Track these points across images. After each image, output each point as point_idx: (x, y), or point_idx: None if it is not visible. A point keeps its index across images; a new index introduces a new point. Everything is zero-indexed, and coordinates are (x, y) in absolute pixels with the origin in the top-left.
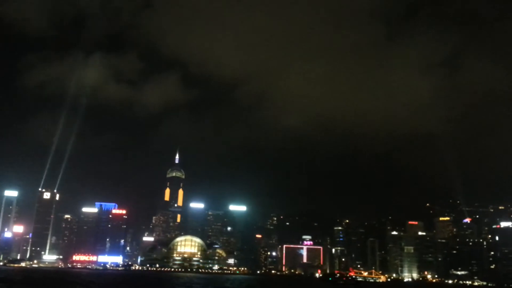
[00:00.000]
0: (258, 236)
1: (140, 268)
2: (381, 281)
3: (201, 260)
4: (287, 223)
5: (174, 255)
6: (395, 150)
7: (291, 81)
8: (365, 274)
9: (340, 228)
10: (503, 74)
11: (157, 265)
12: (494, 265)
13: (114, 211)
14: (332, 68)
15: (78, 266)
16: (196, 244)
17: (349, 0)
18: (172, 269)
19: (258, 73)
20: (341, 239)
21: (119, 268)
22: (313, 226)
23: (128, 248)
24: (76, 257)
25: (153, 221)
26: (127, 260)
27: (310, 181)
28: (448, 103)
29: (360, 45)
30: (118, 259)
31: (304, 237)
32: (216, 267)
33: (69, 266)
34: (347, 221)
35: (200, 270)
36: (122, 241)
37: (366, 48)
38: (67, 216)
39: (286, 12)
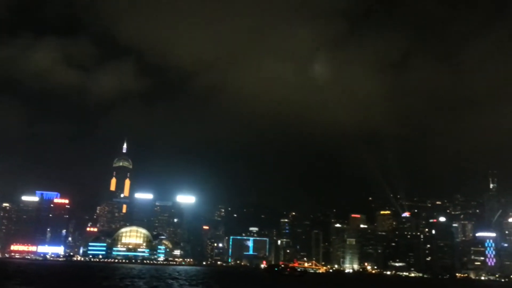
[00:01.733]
0: (205, 227)
1: (82, 259)
2: (320, 271)
3: (146, 251)
4: (235, 215)
5: (119, 246)
6: (343, 145)
7: (248, 74)
8: (306, 265)
9: (286, 220)
10: (448, 77)
11: (100, 256)
12: (430, 257)
13: (56, 200)
14: (290, 63)
15: (17, 256)
16: (142, 235)
17: None
18: (116, 260)
19: (215, 64)
20: (287, 231)
21: (60, 259)
22: (260, 218)
23: (70, 238)
24: (14, 247)
25: (98, 211)
26: (68, 250)
27: (259, 173)
28: (396, 102)
29: (320, 42)
30: (59, 250)
31: (251, 229)
32: (161, 258)
33: (7, 256)
34: (293, 213)
35: (145, 262)
36: (64, 231)
37: (326, 46)
38: (5, 204)
39: (248, 6)
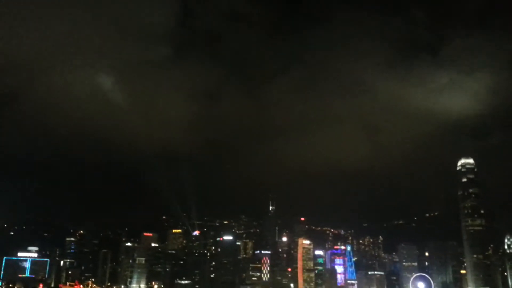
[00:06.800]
0: None
1: None
2: None
3: None
4: (11, 233)
5: None
6: (143, 165)
7: (56, 83)
8: (79, 286)
9: (72, 239)
10: (255, 110)
11: None
12: (214, 274)
13: None
14: (106, 80)
15: None
16: None
17: (140, 19)
18: None
19: (21, 63)
20: (72, 250)
21: None
22: (42, 236)
23: None
24: None
25: None
26: None
27: (47, 188)
28: (205, 128)
29: (145, 62)
30: None
31: (30, 248)
32: None
33: None
34: (82, 232)
35: None
36: None
37: (150, 67)
38: None
39: (71, 11)
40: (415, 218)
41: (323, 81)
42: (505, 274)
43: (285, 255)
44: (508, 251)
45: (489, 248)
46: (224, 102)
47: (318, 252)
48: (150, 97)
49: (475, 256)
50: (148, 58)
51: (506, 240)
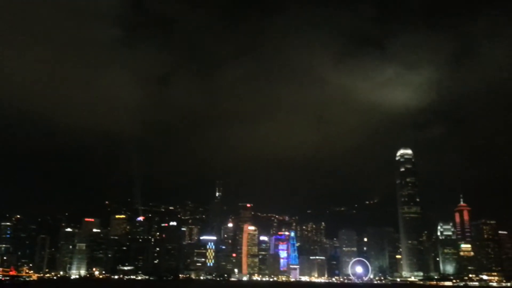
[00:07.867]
0: None
1: None
2: (32, 279)
3: None
4: None
5: None
6: (91, 148)
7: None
8: (14, 272)
9: (8, 223)
10: (204, 95)
11: None
12: (157, 260)
13: None
14: (57, 59)
15: None
16: None
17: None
18: None
19: None
20: (8, 235)
21: None
22: None
23: None
24: None
25: None
26: None
27: None
28: (154, 113)
29: (91, 45)
30: None
31: None
32: None
33: None
34: (18, 216)
35: None
36: None
37: (98, 47)
38: None
39: None
40: (356, 205)
41: (274, 70)
42: (437, 259)
43: (230, 241)
44: (440, 237)
45: (423, 234)
46: (174, 86)
47: (263, 238)
48: (96, 79)
49: (410, 242)
50: (97, 38)
51: (439, 227)
